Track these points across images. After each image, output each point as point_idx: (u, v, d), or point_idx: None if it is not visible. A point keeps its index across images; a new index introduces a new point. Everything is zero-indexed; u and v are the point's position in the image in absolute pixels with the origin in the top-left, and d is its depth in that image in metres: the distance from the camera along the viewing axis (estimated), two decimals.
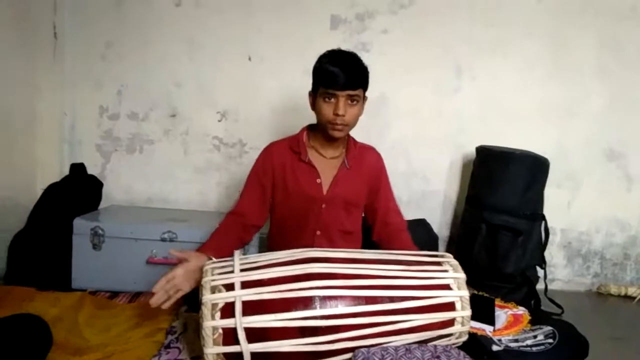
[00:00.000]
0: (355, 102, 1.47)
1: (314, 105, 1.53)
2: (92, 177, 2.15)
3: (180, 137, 2.23)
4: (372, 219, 1.69)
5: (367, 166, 1.63)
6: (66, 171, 2.13)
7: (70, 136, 2.20)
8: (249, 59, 2.20)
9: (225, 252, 1.42)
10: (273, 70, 2.20)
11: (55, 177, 2.09)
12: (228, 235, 1.53)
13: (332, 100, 1.45)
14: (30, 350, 1.15)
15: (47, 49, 2.12)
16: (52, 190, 1.97)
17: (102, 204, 2.16)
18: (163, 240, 1.80)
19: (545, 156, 2.04)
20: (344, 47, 1.53)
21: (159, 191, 2.25)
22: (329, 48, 1.52)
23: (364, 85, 1.49)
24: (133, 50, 2.19)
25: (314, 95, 1.51)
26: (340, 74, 1.41)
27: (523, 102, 2.24)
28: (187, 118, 2.23)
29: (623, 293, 2.21)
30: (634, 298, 2.18)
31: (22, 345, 1.14)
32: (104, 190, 2.18)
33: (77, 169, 2.12)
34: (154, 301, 1.25)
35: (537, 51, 2.22)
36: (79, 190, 2.02)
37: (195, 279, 1.29)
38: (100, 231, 1.79)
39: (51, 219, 1.86)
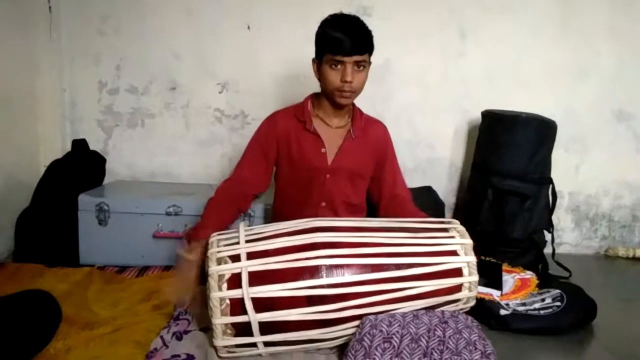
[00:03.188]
0: (362, 68, 1.44)
1: (318, 73, 1.49)
2: (95, 152, 2.14)
3: (182, 110, 2.21)
4: (378, 193, 1.65)
5: (373, 138, 1.60)
6: (68, 148, 2.12)
7: (70, 112, 2.18)
8: (248, 27, 2.15)
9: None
10: (273, 38, 2.15)
11: (58, 154, 2.08)
12: (223, 210, 1.48)
13: (339, 67, 1.41)
14: (40, 325, 1.16)
15: (42, 25, 2.07)
16: (55, 167, 1.96)
17: (106, 180, 2.15)
18: (168, 214, 1.80)
19: (553, 119, 2.00)
20: (345, 12, 1.48)
21: (162, 165, 2.24)
22: (330, 13, 1.47)
23: (370, 50, 1.45)
24: (130, 23, 2.14)
25: (318, 62, 1.48)
26: (347, 40, 1.38)
27: (530, 64, 2.19)
28: (188, 90, 2.19)
29: (631, 255, 2.21)
30: None
31: (31, 320, 1.15)
32: (107, 166, 2.17)
33: (79, 145, 2.11)
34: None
35: (545, 11, 2.16)
36: (82, 166, 2.02)
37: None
38: (105, 207, 1.79)
39: (56, 195, 1.86)
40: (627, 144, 2.26)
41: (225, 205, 1.50)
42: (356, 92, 1.47)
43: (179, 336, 1.28)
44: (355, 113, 1.59)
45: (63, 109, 2.16)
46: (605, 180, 2.29)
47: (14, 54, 1.95)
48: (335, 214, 1.58)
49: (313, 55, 1.49)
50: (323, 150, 1.54)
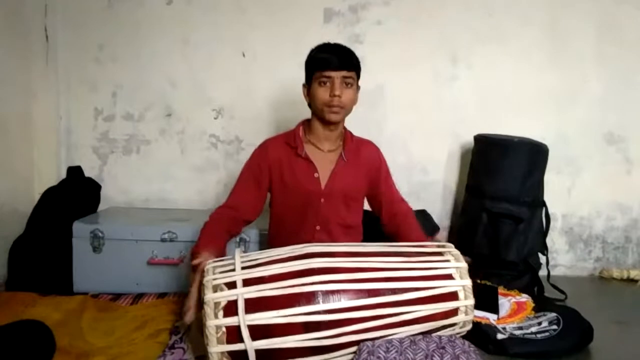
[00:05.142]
0: (350, 86, 1.49)
1: (308, 97, 1.53)
2: (90, 179, 2.14)
3: (177, 136, 2.22)
4: (378, 212, 1.69)
5: (365, 159, 1.63)
6: (63, 175, 2.12)
7: (66, 139, 2.19)
8: (243, 55, 2.19)
9: (218, 247, 1.42)
10: (268, 65, 2.19)
11: (53, 181, 2.08)
12: (217, 230, 1.50)
13: (328, 84, 1.47)
14: (34, 356, 1.15)
15: (39, 53, 2.10)
16: (50, 194, 1.96)
17: (101, 207, 2.15)
18: (163, 240, 1.79)
19: (545, 142, 2.03)
20: (338, 40, 1.55)
21: (157, 191, 2.24)
22: (323, 41, 1.54)
23: (357, 69, 1.51)
24: (126, 51, 2.17)
25: (308, 85, 1.53)
26: (334, 56, 1.46)
27: (521, 89, 2.23)
28: (183, 117, 2.21)
29: (625, 276, 2.21)
30: (636, 281, 2.18)
31: (25, 351, 1.13)
32: (102, 192, 2.17)
33: (74, 172, 2.11)
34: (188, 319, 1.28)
35: (534, 37, 2.21)
36: (77, 194, 2.01)
37: None
38: (100, 234, 1.78)
39: (50, 223, 1.85)
40: (617, 166, 2.29)
41: (217, 230, 1.50)
42: (345, 108, 1.50)
43: None
44: (347, 136, 1.61)
45: (59, 136, 2.17)
46: (597, 202, 2.31)
47: (11, 82, 1.97)
48: (331, 236, 1.58)
49: (305, 80, 1.54)
50: (316, 175, 1.55)
